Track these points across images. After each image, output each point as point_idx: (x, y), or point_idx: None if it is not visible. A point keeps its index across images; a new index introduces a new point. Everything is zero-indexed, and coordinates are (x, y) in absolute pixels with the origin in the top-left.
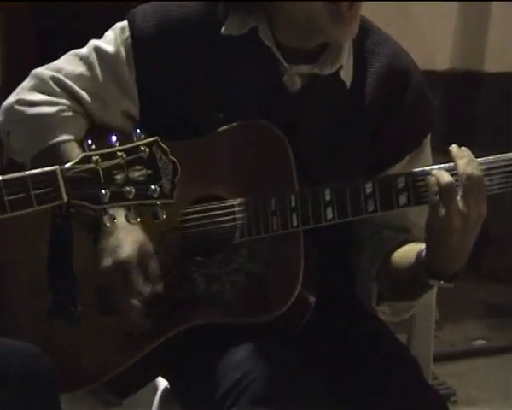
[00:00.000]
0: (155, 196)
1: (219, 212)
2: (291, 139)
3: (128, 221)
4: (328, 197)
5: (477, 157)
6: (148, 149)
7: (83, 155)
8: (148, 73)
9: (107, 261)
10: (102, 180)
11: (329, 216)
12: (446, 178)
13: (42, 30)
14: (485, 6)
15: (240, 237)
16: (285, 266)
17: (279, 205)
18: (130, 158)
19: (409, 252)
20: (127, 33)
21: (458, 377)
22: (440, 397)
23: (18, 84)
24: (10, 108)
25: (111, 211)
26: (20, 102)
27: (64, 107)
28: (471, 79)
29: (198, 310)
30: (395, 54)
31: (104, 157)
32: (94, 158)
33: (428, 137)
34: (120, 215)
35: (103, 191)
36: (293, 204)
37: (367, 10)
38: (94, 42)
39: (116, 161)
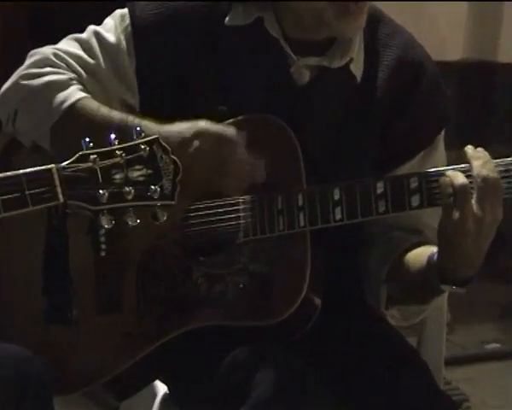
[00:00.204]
0: (155, 196)
1: (223, 209)
2: (298, 134)
3: (126, 223)
4: (336, 197)
5: (493, 154)
6: (148, 148)
7: (80, 153)
8: (149, 64)
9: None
10: (100, 180)
11: (338, 216)
12: (461, 179)
13: (35, 21)
14: None
15: (244, 236)
16: (291, 267)
17: (286, 204)
18: (129, 157)
19: (420, 254)
20: (127, 21)
21: (471, 382)
22: (453, 403)
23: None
24: (14, 86)
25: None
26: (25, 76)
27: (72, 77)
28: (484, 69)
29: (199, 311)
30: (408, 45)
31: (102, 156)
32: (92, 157)
33: (442, 133)
34: None
35: (101, 192)
36: (300, 203)
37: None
38: (93, 27)
39: (115, 160)
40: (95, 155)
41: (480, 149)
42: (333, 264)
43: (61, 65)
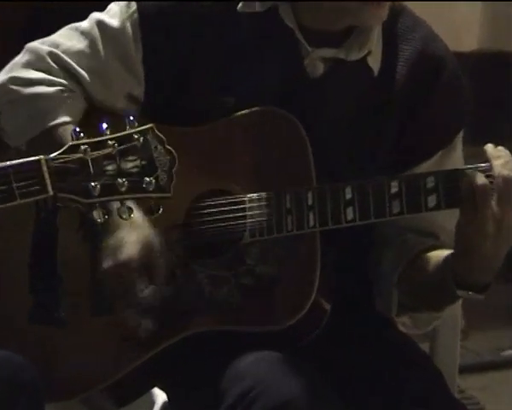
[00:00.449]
0: (150, 189)
1: (228, 208)
2: (310, 130)
3: (120, 217)
4: (348, 196)
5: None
6: (142, 138)
7: (70, 143)
8: (156, 53)
9: (107, 263)
10: (92, 172)
11: (350, 217)
12: (481, 180)
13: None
14: None
15: (250, 236)
16: (299, 269)
17: (295, 202)
18: (122, 147)
19: (435, 258)
20: (133, 7)
21: (486, 391)
22: None
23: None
24: (3, 87)
25: (128, 203)
26: (14, 80)
27: (62, 87)
28: (500, 59)
29: (202, 315)
30: (428, 39)
31: (94, 146)
32: (82, 147)
33: (461, 133)
34: (136, 209)
35: (93, 184)
36: (310, 202)
37: None
38: (96, 15)
39: (107, 151)
40: (85, 146)
41: (500, 147)
42: (343, 267)
43: (56, 70)
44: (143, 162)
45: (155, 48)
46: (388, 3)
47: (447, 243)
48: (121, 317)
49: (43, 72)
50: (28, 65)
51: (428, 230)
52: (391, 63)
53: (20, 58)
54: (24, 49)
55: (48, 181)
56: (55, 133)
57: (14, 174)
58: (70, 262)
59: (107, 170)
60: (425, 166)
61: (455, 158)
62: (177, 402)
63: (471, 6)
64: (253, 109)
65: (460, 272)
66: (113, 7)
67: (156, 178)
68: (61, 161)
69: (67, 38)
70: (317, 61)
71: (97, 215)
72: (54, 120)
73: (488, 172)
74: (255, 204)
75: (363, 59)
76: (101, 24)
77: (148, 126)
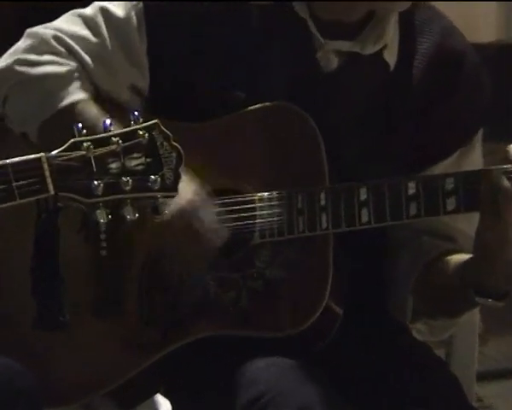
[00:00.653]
0: (156, 187)
1: (237, 207)
2: (322, 127)
3: (124, 218)
4: (363, 197)
5: None
6: (147, 134)
7: (72, 140)
8: (161, 44)
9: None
10: (95, 170)
11: (365, 219)
12: (503, 182)
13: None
14: None
15: (260, 237)
16: (311, 272)
17: (306, 203)
18: (126, 144)
19: (453, 263)
20: None
21: (505, 399)
22: None
23: None
24: (8, 70)
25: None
26: (21, 61)
27: (73, 68)
28: None
29: (209, 319)
30: (447, 32)
31: (97, 143)
32: (85, 144)
33: (480, 132)
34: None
35: (96, 183)
36: (322, 203)
37: None
38: (99, 3)
39: (111, 148)
40: (88, 143)
41: None
42: (356, 270)
43: (62, 51)
44: (148, 160)
45: (161, 39)
46: None
47: (465, 247)
48: (125, 320)
49: (50, 54)
50: (32, 48)
51: (446, 233)
52: (408, 57)
53: (23, 42)
54: (25, 35)
55: (49, 180)
56: (71, 113)
57: (13, 173)
58: (71, 264)
59: (111, 168)
60: (442, 166)
61: (474, 158)
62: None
63: None
64: (264, 105)
65: (479, 278)
66: None
67: (162, 177)
68: (63, 158)
69: (71, 24)
70: (330, 54)
71: (100, 215)
72: (67, 98)
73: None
74: (265, 204)
75: (379, 53)
76: (105, 11)
77: (153, 122)
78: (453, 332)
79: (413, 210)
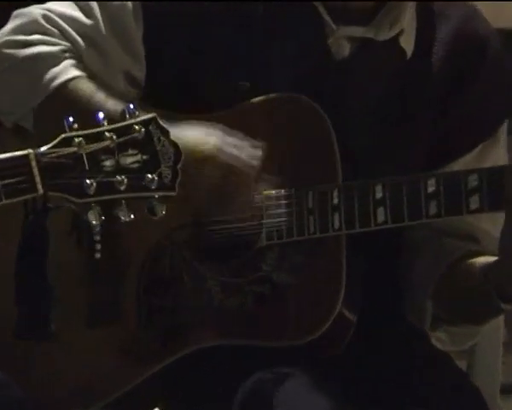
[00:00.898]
0: (153, 187)
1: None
2: (335, 119)
3: (118, 219)
4: (379, 195)
5: None
6: (143, 129)
7: (63, 135)
8: (159, 31)
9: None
10: (87, 168)
11: (381, 219)
12: None
13: None
14: None
15: (267, 239)
16: (322, 277)
17: (318, 201)
18: (121, 140)
19: (476, 266)
20: None
21: None
22: None
23: None
24: None
25: None
26: (9, 43)
27: (65, 48)
28: None
29: (212, 327)
30: (468, 16)
31: (89, 139)
32: (76, 140)
33: (505, 124)
34: None
35: (88, 181)
36: (335, 201)
37: None
38: None
39: (104, 144)
40: (80, 138)
41: None
42: (370, 273)
43: (53, 31)
44: (145, 157)
45: (158, 26)
46: None
47: (490, 248)
48: (121, 329)
49: (40, 34)
50: (20, 29)
51: (468, 233)
52: (426, 44)
53: (10, 25)
54: (12, 16)
55: (37, 178)
56: (67, 92)
57: None
58: (62, 270)
59: (105, 166)
60: (463, 162)
61: (498, 153)
62: None
63: None
64: (270, 96)
65: (504, 283)
66: None
67: (159, 175)
68: (53, 155)
69: (60, 5)
70: (342, 40)
71: (93, 217)
72: (60, 77)
73: None
74: (273, 203)
75: (395, 39)
76: None
77: (150, 116)
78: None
79: (433, 209)
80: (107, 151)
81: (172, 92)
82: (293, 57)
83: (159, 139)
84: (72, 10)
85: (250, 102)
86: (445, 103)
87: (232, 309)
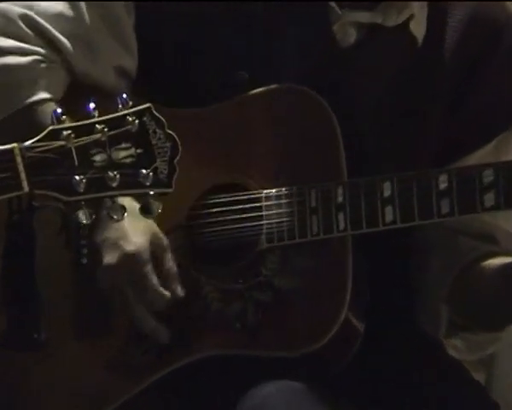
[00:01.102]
0: (147, 183)
1: (241, 206)
2: (339, 111)
3: (111, 218)
4: (387, 193)
5: None
6: (137, 121)
7: (50, 128)
8: (152, 19)
9: (111, 258)
10: (76, 163)
11: (389, 218)
12: None
13: None
14: None
15: (267, 241)
16: (327, 281)
17: (321, 200)
18: (113, 133)
19: (494, 268)
20: None
21: None
22: None
23: None
24: None
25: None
26: None
27: (39, 57)
28: None
29: (209, 336)
30: (482, 1)
31: (79, 132)
32: (65, 133)
33: None
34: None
35: (77, 178)
36: (339, 200)
37: None
38: None
39: (95, 137)
40: (68, 131)
41: None
42: (378, 277)
43: (30, 35)
44: (139, 151)
45: (151, 15)
46: None
47: (509, 249)
48: (113, 339)
49: (14, 38)
50: None
51: (485, 232)
52: (438, 30)
53: None
54: None
55: (23, 175)
56: (32, 114)
57: None
58: (50, 273)
59: (95, 161)
60: (478, 156)
61: None
62: None
63: None
64: (270, 87)
65: None
66: None
67: (154, 171)
68: (39, 150)
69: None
70: (348, 26)
71: (83, 216)
72: (29, 97)
73: None
74: (273, 202)
75: (405, 25)
76: None
77: (144, 106)
78: (495, 350)
79: (445, 208)
80: (98, 145)
81: (166, 84)
82: (296, 45)
83: (154, 132)
84: (56, 3)
85: (249, 94)
86: (458, 93)
87: (232, 318)
